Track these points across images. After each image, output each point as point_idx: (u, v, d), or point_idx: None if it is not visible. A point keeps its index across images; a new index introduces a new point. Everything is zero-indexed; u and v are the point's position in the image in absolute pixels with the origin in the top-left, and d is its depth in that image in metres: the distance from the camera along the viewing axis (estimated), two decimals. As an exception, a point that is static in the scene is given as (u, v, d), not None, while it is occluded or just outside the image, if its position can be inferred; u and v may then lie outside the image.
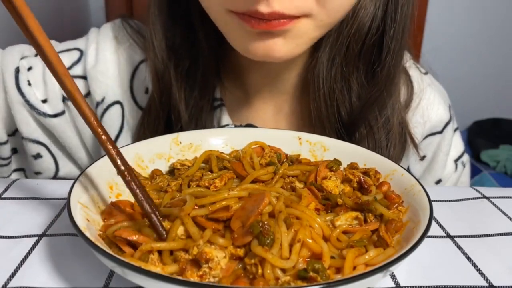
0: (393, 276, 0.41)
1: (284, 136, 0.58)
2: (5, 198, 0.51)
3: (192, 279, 0.35)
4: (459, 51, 2.20)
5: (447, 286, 0.40)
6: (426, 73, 0.74)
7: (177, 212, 0.40)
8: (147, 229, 0.42)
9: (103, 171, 0.48)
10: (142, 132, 0.67)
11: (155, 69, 0.64)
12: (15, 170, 0.74)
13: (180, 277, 0.35)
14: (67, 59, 0.69)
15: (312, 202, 0.45)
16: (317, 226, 0.40)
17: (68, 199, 0.40)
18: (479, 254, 0.44)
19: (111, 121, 0.69)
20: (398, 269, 0.41)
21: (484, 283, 0.40)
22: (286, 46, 0.53)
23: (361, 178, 0.49)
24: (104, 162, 0.48)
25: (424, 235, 0.37)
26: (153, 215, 0.40)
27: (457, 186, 0.77)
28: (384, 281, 0.40)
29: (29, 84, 0.66)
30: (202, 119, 0.66)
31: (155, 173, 0.52)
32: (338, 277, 0.37)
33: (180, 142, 0.56)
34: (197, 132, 0.58)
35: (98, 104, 0.68)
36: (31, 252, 0.42)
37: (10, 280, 0.38)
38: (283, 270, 0.36)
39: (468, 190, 0.57)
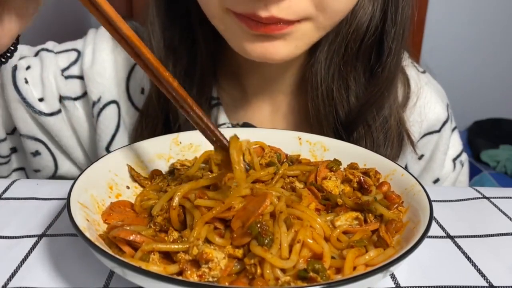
0: (393, 276, 0.41)
1: (284, 136, 0.58)
2: (5, 198, 0.51)
3: (191, 279, 0.35)
4: (459, 51, 2.20)
5: (447, 286, 0.40)
6: (423, 72, 0.74)
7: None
8: (147, 230, 0.42)
9: (103, 171, 0.48)
10: (140, 132, 0.67)
11: None
12: (16, 170, 0.74)
13: (179, 277, 0.35)
14: (65, 59, 0.69)
15: (312, 202, 0.45)
16: (318, 226, 0.40)
17: (68, 199, 0.40)
18: (479, 254, 0.44)
19: (107, 120, 0.69)
20: (398, 269, 0.41)
21: (484, 283, 0.40)
22: (286, 48, 0.54)
23: (361, 178, 0.49)
24: (104, 162, 0.48)
25: (424, 235, 0.37)
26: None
27: (456, 185, 0.77)
28: (384, 281, 0.40)
29: (26, 82, 0.66)
30: None
31: (155, 173, 0.52)
32: (338, 277, 0.37)
33: (180, 142, 0.56)
34: (197, 132, 0.57)
35: (94, 103, 0.69)
36: (31, 252, 0.42)
37: (10, 280, 0.38)
38: (283, 271, 0.36)
39: (468, 190, 0.57)
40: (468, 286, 0.40)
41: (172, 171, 0.53)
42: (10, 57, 0.52)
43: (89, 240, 0.35)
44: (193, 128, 0.64)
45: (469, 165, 0.82)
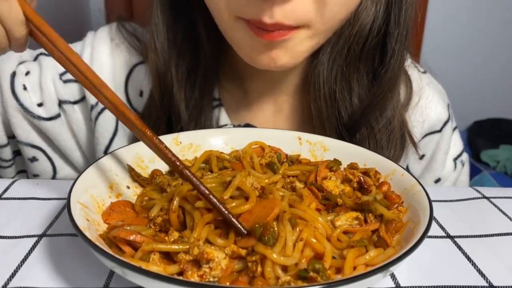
0: (393, 276, 0.41)
1: (284, 136, 0.58)
2: (5, 198, 0.51)
3: (192, 279, 0.35)
4: (459, 51, 2.20)
5: (447, 286, 0.40)
6: (424, 72, 0.75)
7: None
8: (147, 230, 0.42)
9: (103, 171, 0.48)
10: None
11: (156, 70, 0.64)
12: (18, 172, 0.74)
13: (180, 278, 0.35)
14: None
15: (312, 202, 0.45)
16: (320, 226, 0.40)
17: (68, 199, 0.40)
18: (479, 254, 0.44)
19: (106, 123, 0.69)
20: (398, 269, 0.41)
21: (484, 283, 0.40)
22: (286, 56, 0.55)
23: (361, 178, 0.49)
24: (104, 162, 0.48)
25: (424, 235, 0.37)
26: (225, 211, 0.39)
27: (456, 185, 0.78)
28: (384, 281, 0.40)
29: (25, 88, 0.66)
30: (201, 119, 0.66)
31: (155, 173, 0.52)
32: (339, 277, 0.37)
33: (180, 142, 0.56)
34: (197, 132, 0.58)
35: (92, 107, 0.69)
36: (31, 252, 0.42)
37: (10, 280, 0.38)
38: (284, 270, 0.36)
39: (468, 190, 0.57)
40: (468, 286, 0.40)
41: (172, 171, 0.53)
42: None
43: (89, 240, 0.35)
44: (193, 129, 0.65)
45: (469, 165, 0.82)
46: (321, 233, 0.40)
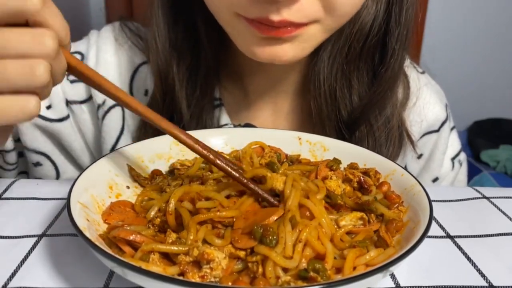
0: (393, 276, 0.41)
1: (284, 136, 0.58)
2: (5, 198, 0.51)
3: (193, 280, 0.35)
4: (459, 51, 2.20)
5: (447, 286, 0.40)
6: (423, 73, 0.75)
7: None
8: (147, 230, 0.42)
9: (103, 171, 0.48)
10: (143, 134, 0.67)
11: (158, 70, 0.64)
12: (19, 173, 0.74)
13: (181, 278, 0.35)
14: None
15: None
16: (325, 222, 0.40)
17: (68, 199, 0.40)
18: (479, 254, 0.44)
19: (112, 123, 0.69)
20: (398, 269, 0.41)
21: (484, 283, 0.40)
22: (293, 50, 0.54)
23: (361, 178, 0.49)
24: (104, 162, 0.48)
25: (424, 235, 0.37)
26: (264, 193, 0.41)
27: (454, 184, 0.78)
28: (384, 281, 0.40)
29: None
30: (203, 118, 0.66)
31: (155, 173, 0.52)
32: (338, 277, 0.37)
33: (180, 142, 0.56)
34: (197, 132, 0.58)
35: (99, 106, 0.69)
36: (31, 252, 0.42)
37: (10, 280, 0.38)
38: (284, 270, 0.36)
39: (468, 190, 0.57)
40: (468, 286, 0.40)
41: (172, 171, 0.53)
42: None
43: (89, 240, 0.35)
44: (194, 129, 0.65)
45: (469, 165, 0.82)
46: (325, 232, 0.40)
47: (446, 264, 0.43)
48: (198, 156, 0.53)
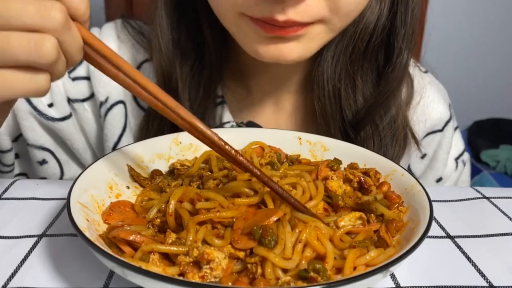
0: (393, 276, 0.41)
1: (284, 136, 0.58)
2: (5, 198, 0.51)
3: (193, 280, 0.35)
4: (459, 51, 2.20)
5: (447, 286, 0.40)
6: (426, 72, 0.75)
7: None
8: (147, 230, 0.42)
9: (103, 171, 0.48)
10: (146, 132, 0.68)
11: (161, 69, 0.64)
12: (17, 175, 0.74)
13: (181, 278, 0.35)
14: None
15: (321, 201, 0.45)
16: (322, 226, 0.40)
17: (68, 199, 0.40)
18: (479, 254, 0.44)
19: (115, 120, 0.69)
20: (398, 269, 0.41)
21: (484, 283, 0.40)
22: (298, 50, 0.54)
23: (361, 178, 0.49)
24: (104, 162, 0.48)
25: (424, 235, 0.37)
26: (283, 191, 0.40)
27: (458, 185, 0.78)
28: (384, 281, 0.40)
29: None
30: (205, 117, 0.66)
31: (155, 173, 0.52)
32: (339, 277, 0.37)
33: (180, 142, 0.56)
34: (197, 132, 0.58)
35: (101, 104, 0.69)
36: (31, 252, 0.42)
37: (10, 280, 0.38)
38: (284, 270, 0.36)
39: (468, 190, 0.57)
40: (468, 286, 0.40)
41: (172, 171, 0.53)
42: None
43: (89, 240, 0.35)
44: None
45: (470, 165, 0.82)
46: (324, 233, 0.40)
47: (446, 264, 0.43)
48: (198, 156, 0.54)
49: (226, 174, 0.48)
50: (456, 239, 0.47)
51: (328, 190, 0.47)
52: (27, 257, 0.41)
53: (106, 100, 0.69)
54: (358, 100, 0.63)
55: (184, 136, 0.56)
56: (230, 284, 0.35)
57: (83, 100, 0.69)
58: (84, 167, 0.73)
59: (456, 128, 0.77)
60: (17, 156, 0.72)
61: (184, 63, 0.64)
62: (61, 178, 0.72)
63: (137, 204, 0.46)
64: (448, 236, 0.47)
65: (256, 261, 0.36)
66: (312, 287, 0.32)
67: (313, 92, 0.64)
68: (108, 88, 0.69)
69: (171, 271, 0.36)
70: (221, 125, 0.68)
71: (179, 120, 0.40)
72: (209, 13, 0.58)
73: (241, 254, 0.37)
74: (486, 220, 0.51)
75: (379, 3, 0.59)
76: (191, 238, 0.38)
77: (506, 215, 0.52)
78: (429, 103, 0.71)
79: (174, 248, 0.37)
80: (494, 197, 0.55)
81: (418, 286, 0.40)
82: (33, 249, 0.42)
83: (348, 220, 0.43)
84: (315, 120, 0.66)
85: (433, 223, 0.49)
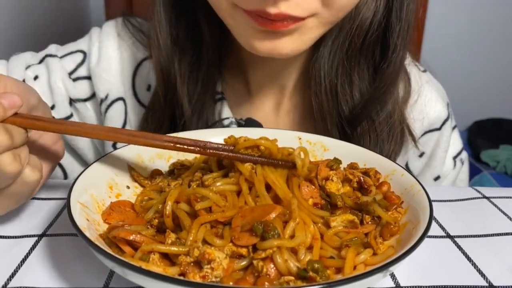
0: (393, 276, 0.41)
1: (284, 136, 0.58)
2: (5, 198, 0.51)
3: (194, 280, 0.35)
4: (459, 51, 2.20)
5: (447, 286, 0.40)
6: (424, 71, 0.75)
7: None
8: (147, 230, 0.42)
9: (103, 171, 0.48)
10: (146, 129, 0.68)
11: (160, 65, 0.65)
12: None
13: (181, 278, 0.35)
14: (71, 62, 0.70)
15: (309, 198, 0.45)
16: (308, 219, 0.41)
17: (68, 199, 0.40)
18: (479, 254, 0.44)
19: (115, 117, 0.70)
20: (398, 269, 0.41)
21: (484, 283, 0.40)
22: (292, 44, 0.54)
23: (361, 178, 0.49)
24: (104, 162, 0.48)
25: (424, 235, 0.37)
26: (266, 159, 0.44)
27: (456, 184, 0.78)
28: (384, 281, 0.40)
29: None
30: (204, 113, 0.66)
31: (155, 173, 0.52)
32: (339, 277, 0.37)
33: (180, 142, 0.55)
34: (198, 132, 0.58)
35: (102, 101, 0.69)
36: (31, 252, 0.42)
37: (10, 280, 0.38)
38: (289, 270, 0.36)
39: (468, 190, 0.57)
40: (468, 286, 0.40)
41: (172, 171, 0.53)
42: None
43: (89, 240, 0.35)
44: (196, 123, 0.65)
45: (469, 165, 0.82)
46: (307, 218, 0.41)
47: (446, 264, 0.43)
48: (198, 156, 0.54)
49: (226, 173, 0.48)
50: (456, 239, 0.47)
51: (327, 190, 0.47)
52: (27, 257, 0.41)
53: (106, 97, 0.69)
54: (355, 96, 0.63)
55: (184, 136, 0.56)
56: (231, 283, 0.35)
57: (85, 100, 0.70)
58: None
59: (454, 127, 0.77)
60: None
61: (182, 59, 0.64)
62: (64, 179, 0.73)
63: (137, 204, 0.46)
64: (448, 236, 0.47)
65: (268, 254, 0.36)
66: (312, 287, 0.32)
67: (311, 89, 0.65)
68: (108, 85, 0.69)
69: (172, 271, 0.36)
70: (220, 121, 0.68)
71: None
72: (207, 9, 0.59)
73: (244, 251, 0.37)
74: (486, 220, 0.51)
75: (374, 0, 0.59)
76: (191, 238, 0.38)
77: (506, 215, 0.52)
78: (426, 102, 0.71)
79: (174, 248, 0.37)
80: (494, 197, 0.55)
81: (418, 286, 0.40)
82: (33, 249, 0.42)
83: (340, 221, 0.43)
84: (313, 117, 0.66)
85: (433, 223, 0.49)
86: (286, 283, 0.35)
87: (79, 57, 0.70)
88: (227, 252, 0.37)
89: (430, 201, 0.42)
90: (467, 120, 2.28)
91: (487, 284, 0.40)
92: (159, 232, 0.42)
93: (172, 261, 0.38)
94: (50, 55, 0.70)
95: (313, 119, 0.66)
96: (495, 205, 0.54)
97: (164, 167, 0.54)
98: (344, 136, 0.64)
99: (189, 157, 0.55)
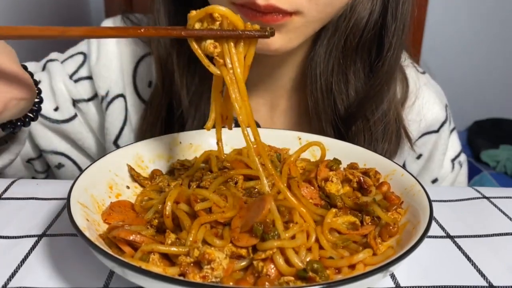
0: (393, 276, 0.41)
1: (284, 136, 0.58)
2: (5, 198, 0.51)
3: (194, 280, 0.35)
4: (459, 51, 2.20)
5: (447, 286, 0.40)
6: (423, 73, 0.75)
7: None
8: (147, 230, 0.42)
9: (103, 171, 0.48)
10: (144, 122, 0.68)
11: (158, 56, 0.65)
12: None
13: (181, 278, 0.35)
14: (72, 64, 0.71)
15: (310, 198, 0.45)
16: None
17: (68, 199, 0.40)
18: (479, 254, 0.44)
19: (116, 113, 0.70)
20: (398, 269, 0.41)
21: (484, 283, 0.40)
22: (280, 40, 0.56)
23: (361, 178, 0.49)
24: (104, 162, 0.48)
25: (424, 235, 0.37)
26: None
27: (454, 186, 0.78)
28: (384, 281, 0.40)
29: None
30: (201, 106, 0.67)
31: (155, 173, 0.52)
32: (339, 277, 0.37)
33: (180, 142, 0.56)
34: (197, 132, 0.58)
35: (103, 98, 0.70)
36: (31, 252, 0.42)
37: (10, 280, 0.38)
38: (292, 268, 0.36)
39: (468, 190, 0.57)
40: (468, 286, 0.40)
41: (172, 171, 0.53)
42: (38, 110, 0.53)
43: (89, 240, 0.35)
44: (194, 115, 0.65)
45: (469, 165, 0.82)
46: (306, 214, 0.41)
47: (446, 264, 0.43)
48: (198, 156, 0.54)
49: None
50: (456, 239, 0.47)
51: (326, 191, 0.47)
52: (27, 257, 0.41)
53: (107, 94, 0.70)
54: (350, 95, 0.64)
55: (184, 136, 0.56)
56: (231, 284, 0.35)
57: (88, 100, 0.71)
58: None
59: (453, 130, 0.77)
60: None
61: (180, 50, 0.65)
62: None
63: (137, 204, 0.46)
64: (448, 236, 0.47)
65: (267, 255, 0.36)
66: (312, 287, 0.32)
67: (306, 87, 0.65)
68: (108, 82, 0.70)
69: (172, 271, 0.36)
70: None
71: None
72: (205, 2, 0.59)
73: (244, 252, 0.37)
74: (486, 220, 0.51)
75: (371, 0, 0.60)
76: (191, 239, 0.38)
77: (506, 215, 0.52)
78: (424, 104, 0.71)
79: (174, 249, 0.37)
80: (494, 197, 0.55)
81: (418, 286, 0.40)
82: (33, 249, 0.42)
83: (342, 222, 0.43)
84: (309, 116, 0.66)
85: (433, 223, 0.49)
86: (286, 283, 0.35)
87: (79, 58, 0.71)
88: (227, 252, 0.37)
89: (430, 201, 0.42)
90: (467, 120, 2.28)
91: (487, 284, 0.40)
92: (159, 232, 0.42)
93: (172, 262, 0.38)
94: (51, 60, 0.71)
95: (309, 119, 0.66)
96: (495, 205, 0.54)
97: (164, 167, 0.54)
98: (339, 135, 0.64)
99: (189, 157, 0.55)
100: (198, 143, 0.56)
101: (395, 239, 0.42)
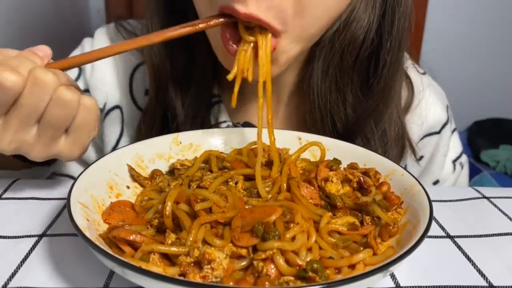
0: (393, 276, 0.41)
1: (284, 136, 0.58)
2: (5, 198, 0.51)
3: (194, 280, 0.35)
4: (459, 51, 2.20)
5: (447, 286, 0.40)
6: (424, 74, 0.75)
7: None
8: (147, 230, 0.42)
9: (103, 171, 0.48)
10: (140, 132, 0.68)
11: (152, 65, 0.64)
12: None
13: (181, 278, 0.35)
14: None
15: (309, 198, 0.45)
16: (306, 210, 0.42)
17: (68, 199, 0.40)
18: (479, 254, 0.44)
19: (112, 126, 0.70)
20: (398, 269, 0.41)
21: (484, 283, 0.40)
22: (272, 67, 0.54)
23: (361, 178, 0.49)
24: (104, 162, 0.48)
25: (424, 235, 0.37)
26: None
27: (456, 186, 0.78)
28: (384, 281, 0.40)
29: None
30: (198, 117, 0.66)
31: (155, 173, 0.52)
32: (339, 277, 0.37)
33: (180, 142, 0.56)
34: (197, 132, 0.58)
35: (101, 111, 0.69)
36: (31, 252, 0.42)
37: (10, 280, 0.38)
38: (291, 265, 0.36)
39: (468, 190, 0.57)
40: (468, 286, 0.40)
41: (172, 171, 0.53)
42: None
43: (89, 240, 0.35)
44: (190, 126, 0.65)
45: (469, 165, 0.82)
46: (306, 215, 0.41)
47: (446, 264, 0.43)
48: (198, 156, 0.54)
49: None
50: (456, 239, 0.47)
51: (326, 191, 0.47)
52: (27, 257, 0.41)
53: (104, 106, 0.69)
54: (348, 113, 0.62)
55: (184, 136, 0.56)
56: (231, 284, 0.35)
57: None
58: None
59: (454, 130, 0.76)
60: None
61: (175, 61, 0.64)
62: None
63: (137, 204, 0.46)
64: (448, 236, 0.47)
65: (267, 255, 0.36)
66: (312, 287, 0.32)
67: (305, 105, 0.64)
68: (104, 95, 0.69)
69: (172, 271, 0.36)
70: (216, 124, 0.67)
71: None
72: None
73: (244, 252, 0.37)
74: (486, 220, 0.51)
75: (367, 16, 0.58)
76: (191, 239, 0.38)
77: (506, 215, 0.52)
78: (426, 106, 0.71)
79: (174, 249, 0.37)
80: (494, 197, 0.55)
81: (418, 286, 0.40)
82: (33, 249, 0.42)
83: (341, 224, 0.43)
84: (307, 129, 0.65)
85: (433, 223, 0.49)
86: (286, 283, 0.35)
87: (75, 72, 0.70)
88: (227, 252, 0.37)
89: (430, 201, 0.42)
90: (467, 120, 2.28)
91: (487, 284, 0.40)
92: (159, 232, 0.42)
93: (172, 261, 0.38)
94: None
95: (308, 130, 0.66)
96: (495, 205, 0.54)
97: (164, 167, 0.54)
98: None
99: (189, 157, 0.55)
100: (198, 143, 0.56)
101: (395, 239, 0.42)
